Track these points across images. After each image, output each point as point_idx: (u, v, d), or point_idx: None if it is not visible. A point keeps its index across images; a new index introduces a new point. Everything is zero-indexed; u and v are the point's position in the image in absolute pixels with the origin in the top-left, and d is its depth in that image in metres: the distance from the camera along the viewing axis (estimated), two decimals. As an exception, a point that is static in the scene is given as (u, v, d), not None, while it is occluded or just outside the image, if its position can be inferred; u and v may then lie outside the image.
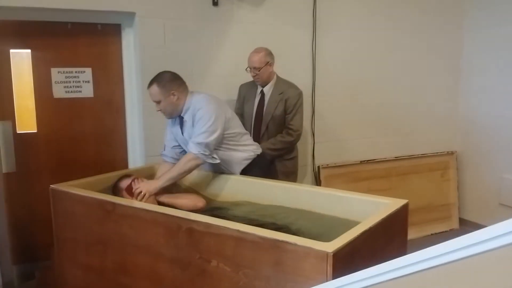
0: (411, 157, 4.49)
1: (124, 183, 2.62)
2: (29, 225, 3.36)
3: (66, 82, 3.40)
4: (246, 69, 3.30)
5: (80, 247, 2.40)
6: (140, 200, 2.48)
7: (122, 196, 2.54)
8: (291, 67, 3.83)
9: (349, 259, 1.65)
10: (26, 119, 3.35)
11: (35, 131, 3.37)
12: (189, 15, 3.50)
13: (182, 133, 2.78)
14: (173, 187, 2.73)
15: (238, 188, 2.71)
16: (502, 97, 4.25)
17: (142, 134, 3.48)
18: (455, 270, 0.96)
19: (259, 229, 1.79)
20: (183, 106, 2.70)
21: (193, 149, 2.58)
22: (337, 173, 4.17)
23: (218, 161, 2.66)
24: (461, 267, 0.94)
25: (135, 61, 3.49)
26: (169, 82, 2.66)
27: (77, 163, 3.45)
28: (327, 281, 1.53)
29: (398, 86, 4.40)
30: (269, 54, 3.30)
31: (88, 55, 3.45)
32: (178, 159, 2.79)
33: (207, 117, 2.61)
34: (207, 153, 2.59)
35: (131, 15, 3.39)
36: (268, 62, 3.27)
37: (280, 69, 3.56)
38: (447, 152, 4.66)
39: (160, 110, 2.70)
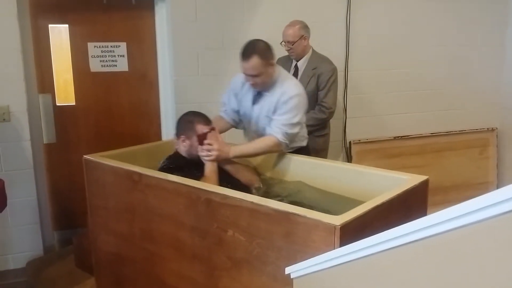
0: (448, 134, 4.38)
1: (200, 128, 2.43)
2: (68, 194, 3.56)
3: (102, 56, 3.52)
4: (280, 43, 3.25)
5: (111, 215, 2.53)
6: (205, 157, 2.40)
7: (188, 134, 2.45)
8: (324, 40, 3.78)
9: (358, 233, 1.67)
10: (65, 92, 3.50)
11: (74, 103, 3.52)
12: (222, -11, 3.51)
13: (253, 103, 2.69)
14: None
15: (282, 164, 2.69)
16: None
17: (175, 108, 3.57)
18: (459, 236, 0.95)
19: (272, 201, 1.83)
20: (272, 81, 2.60)
21: (279, 135, 2.49)
22: (369, 148, 4.14)
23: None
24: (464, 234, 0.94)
25: (167, 36, 3.55)
26: (268, 52, 2.55)
27: (113, 135, 3.60)
28: (334, 253, 1.56)
29: (436, 59, 4.27)
30: (304, 27, 3.24)
31: (122, 30, 3.54)
32: (237, 123, 2.85)
33: (302, 109, 2.57)
34: (288, 143, 2.56)
35: (164, -10, 3.45)
36: (303, 35, 3.22)
37: (314, 41, 3.53)
38: (487, 128, 4.51)
39: (254, 83, 2.56)
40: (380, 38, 4.04)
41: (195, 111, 2.55)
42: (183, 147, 2.49)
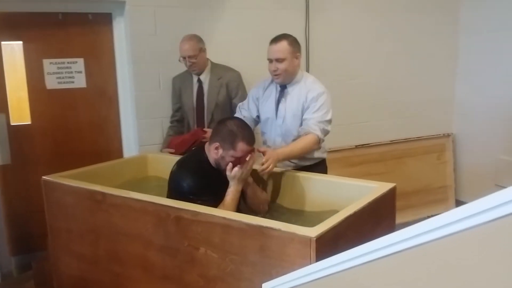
0: (406, 140, 4.49)
1: (241, 148, 2.18)
2: (25, 217, 3.40)
3: (59, 73, 3.40)
4: (179, 60, 3.17)
5: (73, 237, 2.43)
6: (263, 170, 2.26)
7: (224, 145, 2.20)
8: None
9: (333, 244, 1.66)
10: (20, 111, 3.36)
11: (29, 122, 3.39)
12: (180, 2, 3.49)
13: (278, 103, 2.66)
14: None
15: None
16: (498, 78, 4.23)
17: (136, 124, 3.49)
18: (432, 249, 0.96)
19: (245, 216, 1.81)
20: (294, 76, 2.63)
21: (319, 132, 2.49)
22: (332, 158, 4.16)
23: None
24: (436, 248, 0.95)
25: (126, 50, 3.48)
26: (297, 43, 2.62)
27: (72, 154, 3.47)
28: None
29: (393, 69, 4.38)
30: (200, 40, 3.19)
31: (79, 46, 3.45)
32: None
33: (330, 105, 2.60)
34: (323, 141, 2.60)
35: (121, 4, 3.38)
36: (201, 48, 3.18)
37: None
38: (444, 134, 4.65)
39: (276, 70, 2.55)
40: (339, 48, 4.11)
41: (241, 121, 2.32)
42: (213, 154, 2.25)
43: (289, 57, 2.55)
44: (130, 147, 3.62)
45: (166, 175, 2.85)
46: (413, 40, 4.42)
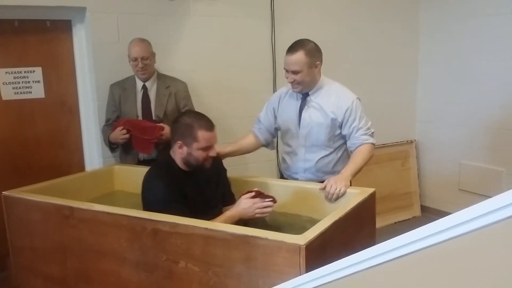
0: (372, 148, 4.52)
1: (202, 136, 2.10)
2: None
3: (15, 82, 3.22)
4: (129, 62, 3.03)
5: (38, 256, 2.27)
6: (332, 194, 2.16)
7: (186, 140, 2.10)
8: (250, 60, 3.78)
9: (321, 251, 1.61)
10: (-27, 124, 3.15)
11: (-17, 135, 3.18)
12: (144, 9, 3.38)
13: (300, 112, 2.53)
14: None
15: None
16: (458, 85, 4.34)
17: (99, 135, 3.34)
18: (423, 257, 0.96)
19: (229, 226, 1.73)
20: (315, 83, 2.50)
21: (371, 139, 2.46)
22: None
23: None
24: (427, 255, 0.95)
25: (87, 59, 3.34)
26: (316, 51, 2.46)
27: (31, 168, 3.27)
28: (300, 274, 1.49)
29: (356, 77, 4.41)
30: (151, 44, 3.08)
31: (37, 54, 3.27)
32: (268, 143, 2.74)
33: (363, 108, 2.54)
34: None
35: (81, 10, 3.24)
36: (153, 52, 3.07)
37: (240, 62, 3.50)
38: (407, 141, 4.73)
39: (293, 81, 2.43)
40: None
41: (193, 112, 2.26)
42: (179, 154, 2.15)
43: (306, 68, 2.40)
44: (92, 159, 3.46)
45: (134, 189, 2.73)
46: (375, 48, 4.49)
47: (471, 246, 0.84)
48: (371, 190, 2.13)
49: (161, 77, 3.16)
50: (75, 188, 2.61)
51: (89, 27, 3.24)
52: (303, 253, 1.51)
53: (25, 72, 3.24)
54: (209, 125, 2.14)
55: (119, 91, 3.13)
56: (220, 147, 2.31)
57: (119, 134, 2.89)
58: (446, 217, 0.88)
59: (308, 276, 1.33)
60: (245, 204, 2.03)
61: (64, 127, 3.41)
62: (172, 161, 2.21)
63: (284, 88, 2.67)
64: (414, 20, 4.65)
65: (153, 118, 3.06)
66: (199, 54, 3.59)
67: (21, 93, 3.24)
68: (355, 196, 2.04)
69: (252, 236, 1.61)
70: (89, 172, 3.20)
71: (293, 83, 2.45)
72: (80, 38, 3.35)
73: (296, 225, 2.12)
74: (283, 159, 2.75)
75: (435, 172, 4.67)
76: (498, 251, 0.79)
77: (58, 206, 2.13)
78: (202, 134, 2.10)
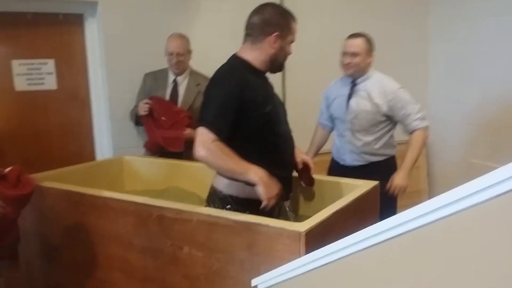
0: (380, 145, 4.53)
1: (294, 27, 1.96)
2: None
3: (28, 74, 3.28)
4: (165, 55, 3.11)
5: (48, 241, 2.33)
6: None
7: (283, 31, 1.91)
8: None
9: (321, 238, 1.64)
10: (-13, 114, 3.22)
11: (-3, 126, 3.25)
12: (155, 4, 3.43)
13: (348, 99, 2.78)
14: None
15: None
16: (468, 85, 4.32)
17: (109, 126, 3.40)
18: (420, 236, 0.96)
19: (232, 213, 1.76)
20: (365, 73, 2.75)
21: (423, 124, 2.70)
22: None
23: None
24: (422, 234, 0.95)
25: (99, 52, 3.40)
26: (373, 42, 2.77)
27: (43, 158, 3.33)
28: (300, 261, 1.51)
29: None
30: (189, 41, 3.15)
31: (50, 46, 3.33)
32: (332, 128, 3.00)
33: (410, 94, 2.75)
34: None
35: (93, 5, 3.30)
36: (189, 49, 3.13)
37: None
38: (416, 138, 4.72)
39: (350, 63, 2.69)
40: (310, 55, 4.10)
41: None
42: (269, 49, 1.86)
43: (363, 53, 2.69)
44: (103, 151, 3.52)
45: (143, 179, 2.79)
46: (384, 48, 4.45)
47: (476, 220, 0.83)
48: (374, 182, 2.15)
49: (193, 74, 3.19)
50: (85, 176, 2.66)
51: (101, 21, 3.30)
52: (303, 239, 1.54)
53: (38, 64, 3.30)
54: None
55: (151, 81, 3.21)
56: (304, 156, 2.26)
57: (142, 106, 3.00)
58: (442, 194, 0.89)
59: (306, 258, 1.36)
60: (273, 183, 1.80)
61: (75, 119, 3.48)
62: (241, 62, 1.95)
63: (333, 82, 2.99)
64: (424, 20, 4.63)
65: None
66: (210, 49, 3.62)
67: (34, 84, 3.31)
68: (358, 188, 2.06)
69: (254, 223, 1.64)
70: (100, 161, 3.26)
71: (349, 64, 2.70)
72: (92, 32, 3.41)
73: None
74: (334, 142, 3.02)
75: (444, 171, 4.66)
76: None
77: (68, 193, 2.18)
78: (295, 26, 1.90)
